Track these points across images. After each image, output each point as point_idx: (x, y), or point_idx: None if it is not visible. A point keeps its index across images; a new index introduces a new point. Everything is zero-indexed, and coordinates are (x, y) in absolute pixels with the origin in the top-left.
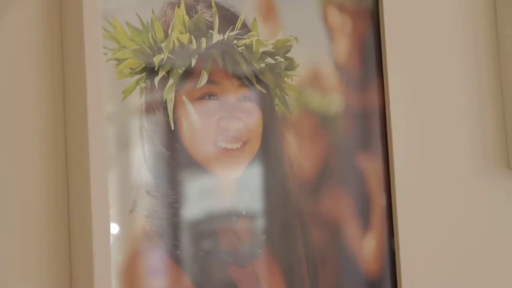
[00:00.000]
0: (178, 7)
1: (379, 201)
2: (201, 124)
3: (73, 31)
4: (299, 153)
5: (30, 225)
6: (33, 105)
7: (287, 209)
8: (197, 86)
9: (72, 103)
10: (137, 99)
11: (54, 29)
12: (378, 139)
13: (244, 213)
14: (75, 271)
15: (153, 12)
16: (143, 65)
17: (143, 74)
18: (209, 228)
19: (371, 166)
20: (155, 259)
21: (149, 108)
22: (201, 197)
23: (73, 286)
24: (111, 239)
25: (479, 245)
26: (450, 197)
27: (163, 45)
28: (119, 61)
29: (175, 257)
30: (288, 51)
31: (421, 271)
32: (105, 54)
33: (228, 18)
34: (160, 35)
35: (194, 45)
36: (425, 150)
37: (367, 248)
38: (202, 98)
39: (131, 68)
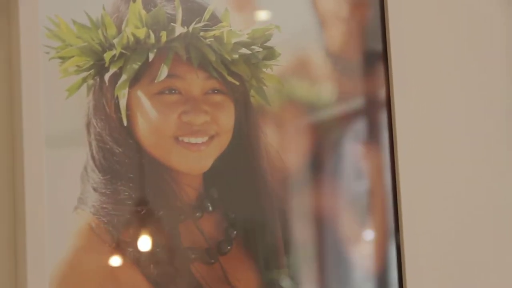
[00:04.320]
0: (134, 1)
1: (380, 195)
2: (160, 119)
3: (13, 31)
4: (281, 145)
5: None
6: None
7: (265, 204)
8: (156, 81)
9: (14, 103)
10: (84, 97)
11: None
12: (379, 129)
13: (210, 208)
14: (19, 272)
15: (104, 9)
16: (92, 62)
17: (91, 71)
18: (167, 224)
19: (370, 158)
20: (105, 257)
21: (98, 105)
22: (159, 193)
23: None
24: (53, 237)
25: (487, 242)
26: (459, 191)
27: (115, 41)
28: (64, 59)
29: (128, 255)
30: (267, 40)
31: (427, 267)
32: (47, 53)
33: (194, 10)
34: (111, 31)
35: (152, 39)
36: (432, 142)
37: (365, 243)
38: (161, 93)
39: (78, 66)
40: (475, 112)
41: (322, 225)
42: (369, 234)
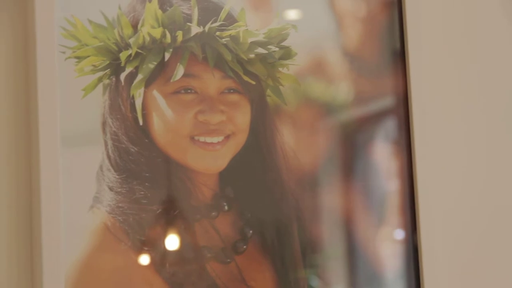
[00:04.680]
0: (150, 1)
1: (398, 195)
2: (175, 118)
3: (30, 31)
4: (297, 145)
5: None
6: None
7: (281, 204)
8: (171, 81)
9: (30, 103)
10: (100, 96)
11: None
12: (397, 129)
13: (226, 208)
14: (35, 270)
15: (120, 9)
16: (108, 62)
17: (107, 71)
18: (183, 224)
19: (389, 158)
20: (120, 256)
21: (114, 104)
22: (175, 193)
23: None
24: (69, 236)
25: (505, 242)
26: (477, 191)
27: (131, 40)
28: (80, 59)
29: (143, 254)
30: (284, 39)
31: (444, 267)
32: (63, 52)
33: (210, 10)
34: (128, 30)
35: (169, 39)
36: (450, 141)
37: (382, 243)
38: (177, 92)
39: (94, 65)
40: (495, 112)
41: (339, 224)
42: (388, 234)
